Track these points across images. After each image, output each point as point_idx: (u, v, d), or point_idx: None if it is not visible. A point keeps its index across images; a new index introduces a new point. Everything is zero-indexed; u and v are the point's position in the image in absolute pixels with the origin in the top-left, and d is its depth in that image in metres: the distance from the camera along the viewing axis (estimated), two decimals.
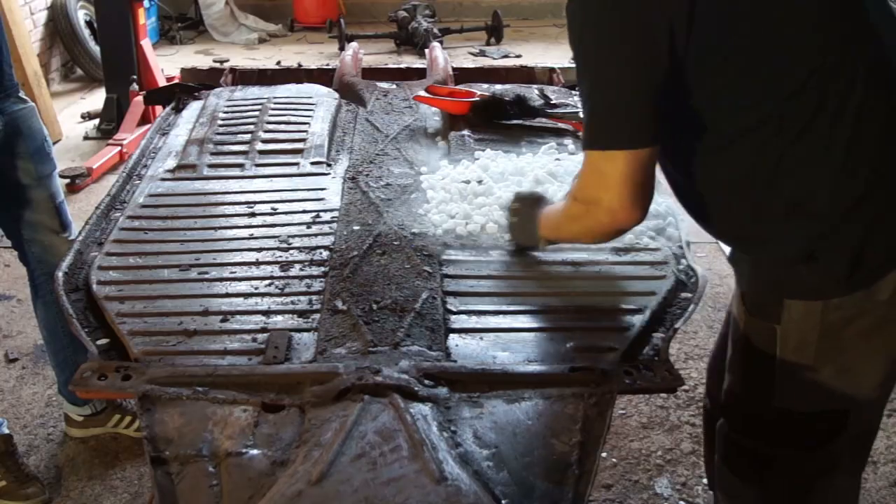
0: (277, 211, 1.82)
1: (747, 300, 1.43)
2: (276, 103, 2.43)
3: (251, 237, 1.71)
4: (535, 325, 1.42)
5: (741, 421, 1.52)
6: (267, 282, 1.54)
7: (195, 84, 2.49)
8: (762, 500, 1.54)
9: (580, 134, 2.23)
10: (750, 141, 1.26)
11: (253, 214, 1.81)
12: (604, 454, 2.35)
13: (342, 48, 6.30)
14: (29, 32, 4.88)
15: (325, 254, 1.63)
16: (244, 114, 2.35)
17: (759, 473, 1.51)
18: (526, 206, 1.62)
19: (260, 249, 1.66)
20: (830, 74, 1.22)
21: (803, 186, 1.27)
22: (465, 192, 1.84)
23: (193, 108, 2.47)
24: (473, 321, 1.44)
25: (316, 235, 1.71)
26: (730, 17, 1.21)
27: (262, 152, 2.13)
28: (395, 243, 1.66)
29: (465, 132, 2.21)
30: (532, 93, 2.43)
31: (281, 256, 1.63)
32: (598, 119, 1.27)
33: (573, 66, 1.33)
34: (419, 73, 2.99)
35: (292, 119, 2.31)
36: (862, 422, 1.47)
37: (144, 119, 4.40)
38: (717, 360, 1.74)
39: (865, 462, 1.63)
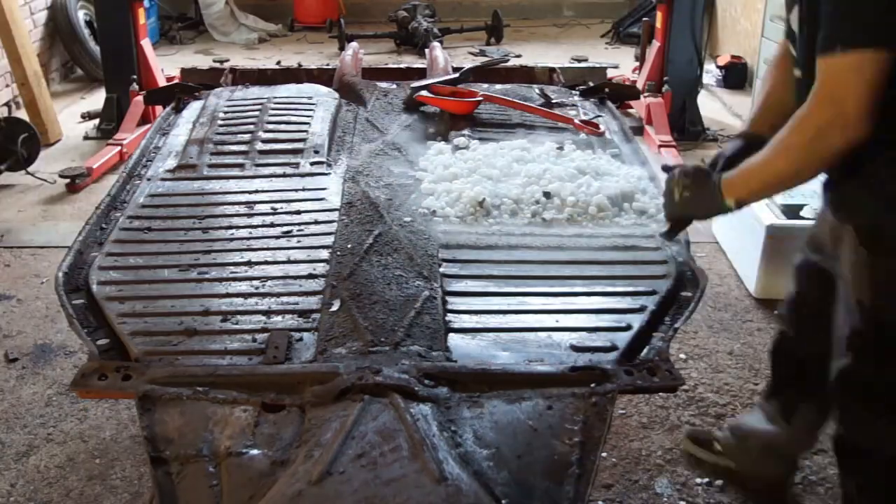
0: (278, 211, 1.82)
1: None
2: (276, 103, 2.43)
3: (251, 237, 1.71)
4: (535, 325, 1.42)
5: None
6: (267, 282, 1.54)
7: (195, 84, 2.49)
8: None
9: (582, 134, 2.25)
10: None
11: (253, 214, 1.81)
12: (604, 454, 2.35)
13: (342, 48, 6.30)
14: (29, 32, 4.88)
15: (326, 254, 1.63)
16: (244, 114, 2.35)
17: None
18: (697, 178, 1.58)
19: (260, 249, 1.66)
20: None
21: None
22: (465, 193, 1.84)
23: (193, 108, 2.47)
24: (473, 321, 1.44)
25: (316, 235, 1.71)
26: None
27: (262, 152, 2.13)
28: (395, 243, 1.66)
29: (466, 132, 2.22)
30: (532, 93, 2.43)
31: (281, 256, 1.63)
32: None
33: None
34: (419, 73, 2.99)
35: (292, 119, 2.32)
36: None
37: (144, 119, 4.40)
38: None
39: None
